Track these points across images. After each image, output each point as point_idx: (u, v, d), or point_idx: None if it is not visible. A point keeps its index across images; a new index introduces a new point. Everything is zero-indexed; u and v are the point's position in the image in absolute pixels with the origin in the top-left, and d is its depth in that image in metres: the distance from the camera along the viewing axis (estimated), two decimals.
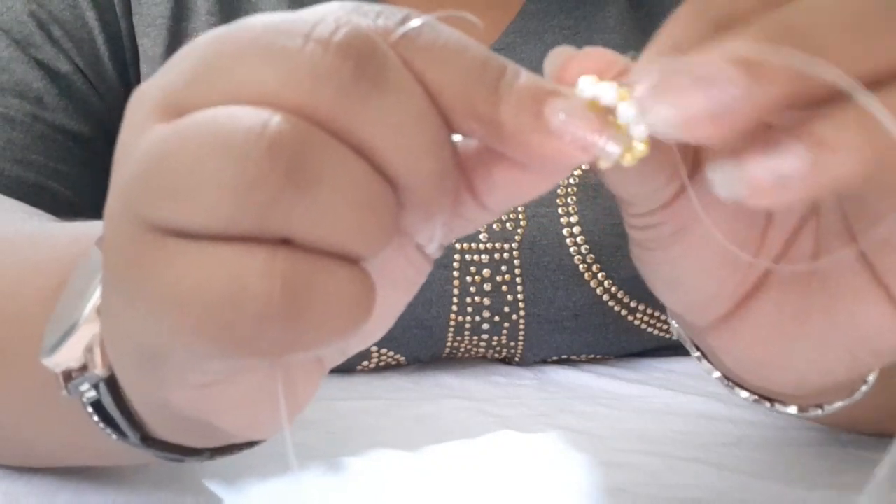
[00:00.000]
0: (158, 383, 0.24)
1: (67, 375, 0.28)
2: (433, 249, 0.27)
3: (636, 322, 0.58)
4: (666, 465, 0.41)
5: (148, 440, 0.29)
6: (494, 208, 0.25)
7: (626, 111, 0.22)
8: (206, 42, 0.22)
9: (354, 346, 0.28)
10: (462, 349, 0.59)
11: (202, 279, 0.20)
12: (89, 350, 0.27)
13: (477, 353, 0.59)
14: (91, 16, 0.57)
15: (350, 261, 0.21)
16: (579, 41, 0.61)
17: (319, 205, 0.20)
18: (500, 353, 0.59)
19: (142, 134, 0.21)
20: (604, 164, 0.22)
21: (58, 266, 0.31)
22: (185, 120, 0.21)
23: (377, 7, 0.23)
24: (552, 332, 0.58)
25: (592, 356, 0.60)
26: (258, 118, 0.20)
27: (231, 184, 0.19)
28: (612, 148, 0.22)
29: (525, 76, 0.22)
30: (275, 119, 0.20)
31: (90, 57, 0.57)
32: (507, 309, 0.56)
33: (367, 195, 0.21)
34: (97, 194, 0.58)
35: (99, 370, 0.27)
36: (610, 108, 0.22)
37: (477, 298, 0.56)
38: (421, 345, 0.57)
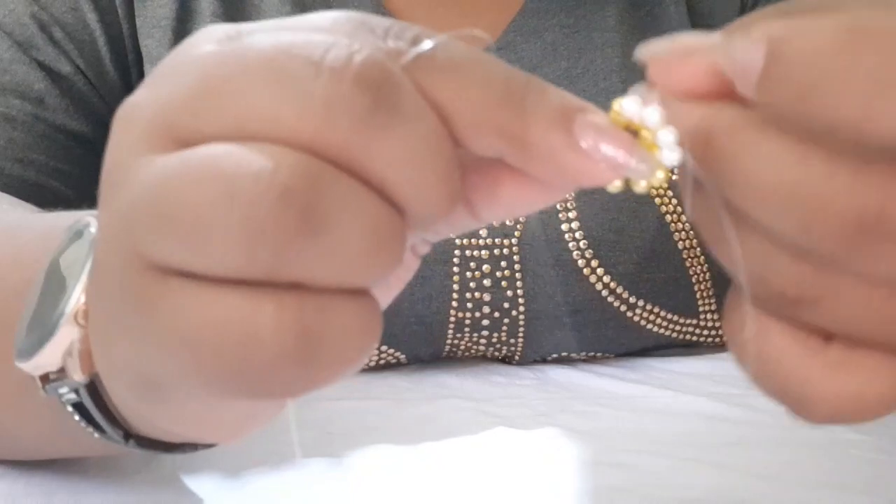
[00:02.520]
0: (152, 405, 0.24)
1: (45, 377, 0.27)
2: (422, 248, 0.27)
3: (636, 318, 0.59)
4: (666, 465, 0.41)
5: (129, 435, 0.29)
6: (487, 219, 0.25)
7: (665, 137, 0.21)
8: (208, 60, 0.21)
9: None
10: (462, 347, 0.59)
11: (213, 323, 0.19)
12: (69, 354, 0.26)
13: (477, 351, 0.59)
14: (92, 18, 0.57)
15: (358, 292, 0.21)
16: (579, 40, 0.61)
17: (331, 247, 0.19)
18: (500, 350, 0.59)
19: (137, 158, 0.20)
20: (614, 188, 0.22)
21: (35, 260, 0.31)
22: (189, 156, 0.20)
23: (385, 22, 0.22)
24: (552, 329, 0.58)
25: (592, 354, 0.60)
26: (268, 161, 0.19)
27: (241, 232, 0.19)
28: (642, 168, 0.21)
29: (552, 92, 0.21)
30: (286, 162, 0.19)
31: (91, 58, 0.57)
32: (506, 305, 0.56)
33: (379, 229, 0.20)
34: (97, 193, 0.58)
35: (78, 377, 0.26)
36: (640, 129, 0.22)
37: (477, 294, 0.56)
38: (421, 342, 0.57)
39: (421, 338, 0.57)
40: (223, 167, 0.19)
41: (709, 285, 0.60)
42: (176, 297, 0.20)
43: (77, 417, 0.28)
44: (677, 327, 0.61)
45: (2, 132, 0.54)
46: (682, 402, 0.51)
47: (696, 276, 0.60)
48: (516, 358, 0.60)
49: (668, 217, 0.58)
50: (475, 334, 0.58)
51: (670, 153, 0.21)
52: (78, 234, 0.27)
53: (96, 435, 0.29)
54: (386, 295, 0.27)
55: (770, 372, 0.22)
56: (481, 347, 0.59)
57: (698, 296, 0.60)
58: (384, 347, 0.57)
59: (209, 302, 0.19)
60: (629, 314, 0.58)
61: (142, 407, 0.25)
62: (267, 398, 0.20)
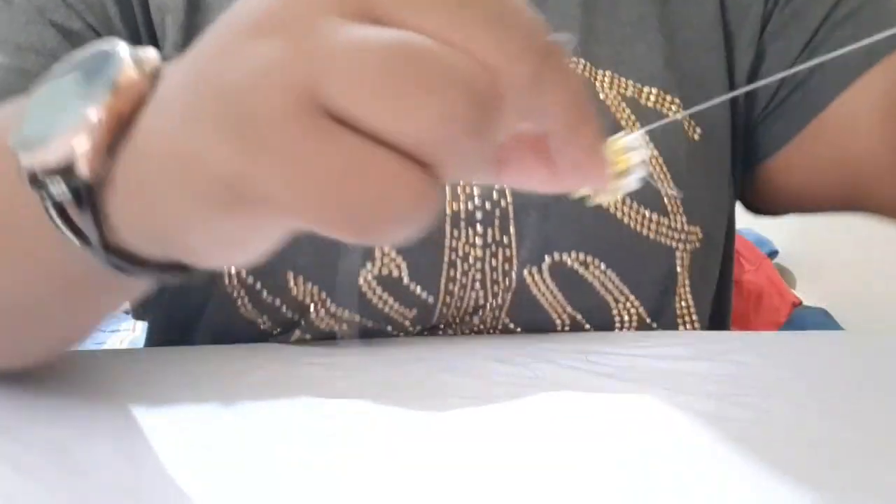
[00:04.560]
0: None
1: (33, 178, 0.28)
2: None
3: (624, 219, 0.62)
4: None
5: (106, 246, 0.30)
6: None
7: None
8: None
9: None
10: (461, 251, 0.61)
11: (353, 168, 0.23)
12: (82, 156, 0.27)
13: (475, 256, 0.62)
14: None
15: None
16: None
17: (484, 151, 0.24)
18: (496, 255, 0.62)
19: (330, 17, 0.24)
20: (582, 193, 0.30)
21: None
22: (418, 41, 0.23)
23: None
24: (541, 222, 0.61)
25: (584, 254, 0.63)
26: (477, 71, 0.24)
27: (440, 111, 0.23)
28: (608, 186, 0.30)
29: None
30: (490, 78, 0.24)
31: (101, 17, 0.62)
32: (495, 195, 0.61)
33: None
34: None
35: (84, 174, 0.28)
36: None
37: (467, 189, 0.61)
38: (421, 245, 0.60)
39: (421, 240, 0.60)
40: (447, 61, 0.23)
41: None
42: (327, 137, 0.23)
43: (54, 213, 0.29)
44: (661, 229, 0.64)
45: (19, 85, 0.58)
46: (682, 402, 0.51)
47: None
48: (513, 274, 0.62)
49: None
50: (470, 229, 0.61)
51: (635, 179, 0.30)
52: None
53: (70, 236, 0.30)
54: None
55: None
56: (478, 251, 0.61)
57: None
58: (386, 250, 0.60)
59: (360, 149, 0.23)
60: (618, 215, 0.62)
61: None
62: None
